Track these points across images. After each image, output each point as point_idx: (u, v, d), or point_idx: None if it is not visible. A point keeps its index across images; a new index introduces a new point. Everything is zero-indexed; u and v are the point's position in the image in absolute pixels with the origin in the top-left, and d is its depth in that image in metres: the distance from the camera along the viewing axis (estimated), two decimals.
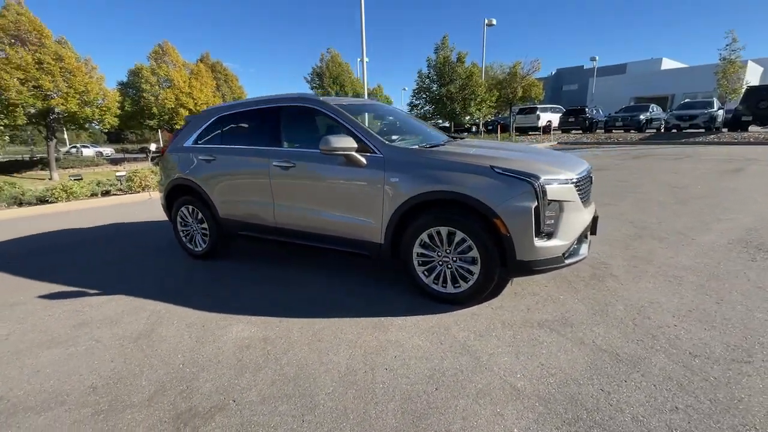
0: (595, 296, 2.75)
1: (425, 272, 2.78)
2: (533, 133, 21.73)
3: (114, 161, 26.63)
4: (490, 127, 24.94)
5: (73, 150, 35.70)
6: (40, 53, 18.69)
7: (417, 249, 2.74)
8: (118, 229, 5.51)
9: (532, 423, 1.64)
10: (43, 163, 23.44)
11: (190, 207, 3.90)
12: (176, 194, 4.01)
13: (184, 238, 4.07)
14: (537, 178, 2.38)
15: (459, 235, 2.56)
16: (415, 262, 2.78)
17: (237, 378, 2.04)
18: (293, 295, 3.05)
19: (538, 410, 1.71)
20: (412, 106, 18.73)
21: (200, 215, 3.83)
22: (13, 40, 18.69)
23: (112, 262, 4.07)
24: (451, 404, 1.77)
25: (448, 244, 2.63)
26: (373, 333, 2.42)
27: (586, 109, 21.29)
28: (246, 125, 3.62)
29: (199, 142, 3.86)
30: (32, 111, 18.83)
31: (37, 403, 1.92)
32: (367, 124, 3.68)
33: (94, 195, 8.38)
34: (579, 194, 2.61)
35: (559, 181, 2.46)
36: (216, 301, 2.98)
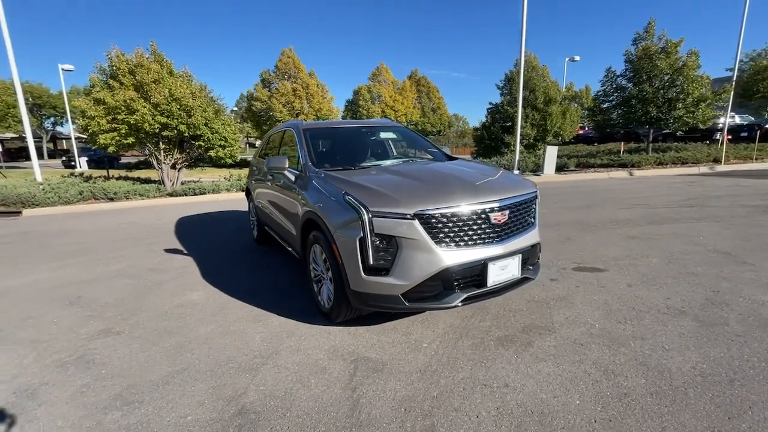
0: (459, 360, 2.29)
1: (317, 283, 3.00)
2: None
3: None
4: (744, 134, 17.86)
5: None
6: (296, 84, 26.05)
7: (311, 262, 3.01)
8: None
9: (209, 413, 1.87)
10: None
11: (251, 204, 5.25)
12: (248, 193, 5.46)
13: (251, 226, 5.50)
14: (365, 209, 2.28)
15: (323, 255, 2.71)
16: (311, 274, 3.04)
17: (149, 321, 3.02)
18: (261, 281, 3.82)
19: (229, 413, 1.89)
20: (594, 111, 15.15)
21: (255, 210, 5.12)
22: (285, 76, 26.73)
23: (212, 234, 5.92)
24: (199, 384, 2.16)
25: (322, 261, 2.80)
26: (247, 323, 2.92)
27: None
28: (272, 144, 4.61)
29: (260, 155, 5.14)
30: None
31: (81, 302, 3.45)
32: (352, 144, 4.04)
33: None
34: (437, 232, 2.27)
35: (392, 215, 2.25)
36: (215, 273, 4.10)
